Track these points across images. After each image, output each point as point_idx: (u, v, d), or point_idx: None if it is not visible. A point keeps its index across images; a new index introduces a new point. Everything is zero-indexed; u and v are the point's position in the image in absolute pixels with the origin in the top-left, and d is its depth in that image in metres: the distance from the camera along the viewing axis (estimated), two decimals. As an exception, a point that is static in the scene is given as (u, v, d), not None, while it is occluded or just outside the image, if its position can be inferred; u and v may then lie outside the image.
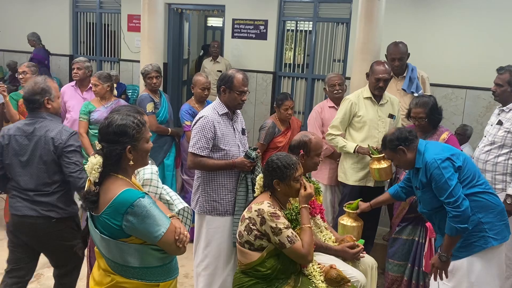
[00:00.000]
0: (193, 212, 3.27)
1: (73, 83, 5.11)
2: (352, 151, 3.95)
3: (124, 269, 2.10)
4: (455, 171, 2.85)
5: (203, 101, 4.66)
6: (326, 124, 4.38)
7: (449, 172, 2.82)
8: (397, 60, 4.42)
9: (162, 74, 4.93)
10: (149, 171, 2.51)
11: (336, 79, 4.52)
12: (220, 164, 3.26)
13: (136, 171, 2.56)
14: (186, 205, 2.70)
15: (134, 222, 1.99)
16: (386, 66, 3.99)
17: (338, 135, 4.07)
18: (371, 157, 3.84)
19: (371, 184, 4.07)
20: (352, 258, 3.12)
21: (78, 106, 4.90)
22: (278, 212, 2.67)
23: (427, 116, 3.61)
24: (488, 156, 3.65)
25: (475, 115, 6.36)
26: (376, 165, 3.80)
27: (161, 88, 5.09)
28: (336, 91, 4.48)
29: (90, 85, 5.06)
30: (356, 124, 4.06)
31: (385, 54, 4.54)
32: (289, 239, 2.62)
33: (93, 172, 2.04)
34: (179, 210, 2.64)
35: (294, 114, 4.92)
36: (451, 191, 2.79)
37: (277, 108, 4.60)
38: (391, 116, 4.08)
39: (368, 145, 3.89)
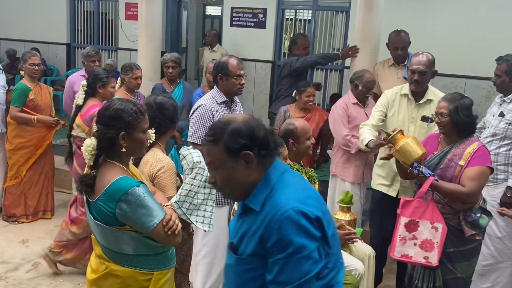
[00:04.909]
0: None
1: (82, 72, 4.94)
2: (364, 144, 3.48)
3: (118, 256, 2.10)
4: None
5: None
6: (352, 121, 4.06)
7: None
8: (400, 49, 4.39)
9: (180, 65, 5.02)
10: (196, 154, 2.41)
11: (374, 83, 4.16)
12: None
13: (182, 155, 2.45)
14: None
15: (127, 210, 1.97)
16: (423, 57, 3.43)
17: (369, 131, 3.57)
18: (387, 145, 3.18)
19: (393, 193, 3.61)
20: (343, 241, 2.89)
21: None
22: None
23: (450, 114, 3.01)
24: (489, 147, 3.62)
25: (475, 105, 6.14)
26: (399, 144, 3.01)
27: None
28: (369, 94, 4.18)
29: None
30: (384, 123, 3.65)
31: (386, 43, 4.50)
32: None
33: (87, 154, 2.04)
34: None
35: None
36: None
37: (298, 94, 4.57)
38: (425, 119, 3.44)
39: (381, 129, 3.54)
